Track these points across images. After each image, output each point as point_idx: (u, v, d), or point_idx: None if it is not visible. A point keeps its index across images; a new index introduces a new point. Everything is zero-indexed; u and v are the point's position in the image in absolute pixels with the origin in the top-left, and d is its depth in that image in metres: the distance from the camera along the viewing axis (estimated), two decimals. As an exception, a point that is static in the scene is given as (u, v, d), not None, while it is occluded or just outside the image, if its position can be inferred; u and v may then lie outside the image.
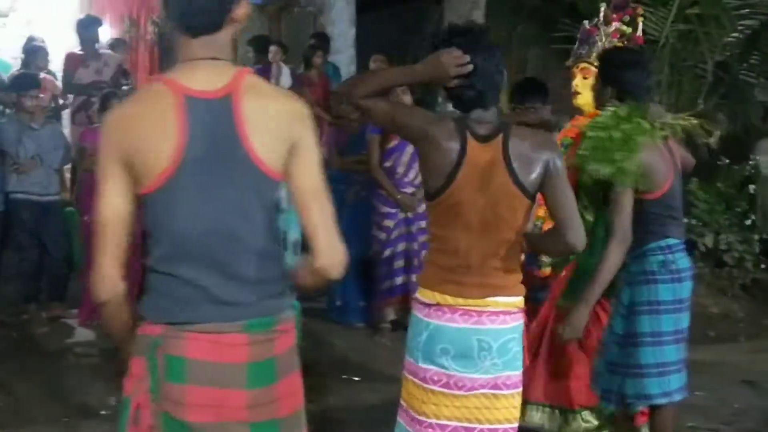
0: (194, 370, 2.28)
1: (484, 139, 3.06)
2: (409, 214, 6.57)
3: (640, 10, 4.90)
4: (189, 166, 2.25)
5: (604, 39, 4.74)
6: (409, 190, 6.59)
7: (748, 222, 8.42)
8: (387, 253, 6.65)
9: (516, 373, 3.16)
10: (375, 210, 6.72)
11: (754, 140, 9.01)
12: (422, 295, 3.17)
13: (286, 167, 2.32)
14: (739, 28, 8.81)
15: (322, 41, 9.46)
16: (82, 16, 9.51)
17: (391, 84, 3.29)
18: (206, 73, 2.30)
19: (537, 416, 4.37)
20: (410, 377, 3.18)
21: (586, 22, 4.84)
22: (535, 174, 3.04)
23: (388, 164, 6.61)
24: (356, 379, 5.88)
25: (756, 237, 8.39)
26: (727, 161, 8.77)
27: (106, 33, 10.05)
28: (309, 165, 2.34)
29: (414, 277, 6.39)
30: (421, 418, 3.13)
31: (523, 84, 5.17)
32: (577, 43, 4.83)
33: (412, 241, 6.58)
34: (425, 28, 10.14)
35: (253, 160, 2.27)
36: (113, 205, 2.27)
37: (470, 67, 3.03)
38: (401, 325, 6.62)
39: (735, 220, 8.44)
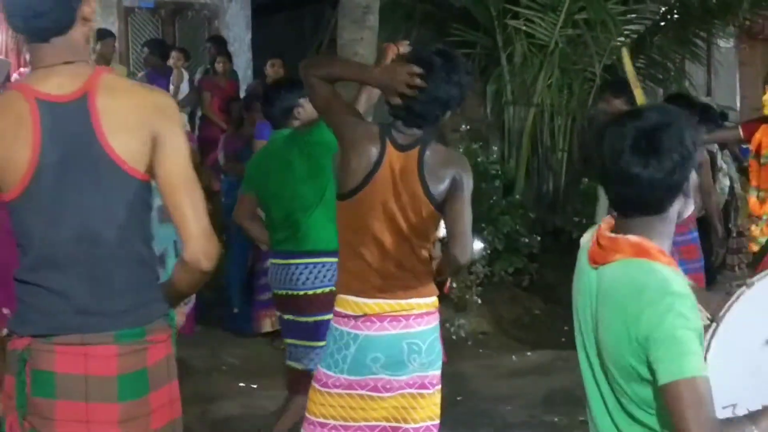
0: (63, 385, 2.22)
1: (403, 148, 3.15)
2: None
3: None
4: (46, 172, 2.20)
5: None
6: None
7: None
8: (267, 263, 6.61)
9: (438, 372, 3.25)
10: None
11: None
12: (344, 307, 3.19)
13: (152, 163, 2.26)
14: (626, 32, 9.06)
15: (221, 46, 9.39)
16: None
17: (346, 76, 3.37)
18: (61, 76, 2.24)
19: None
20: (332, 390, 3.19)
21: None
22: (443, 186, 3.14)
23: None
24: (254, 386, 5.86)
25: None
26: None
27: None
28: (174, 156, 2.27)
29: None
30: (348, 423, 3.17)
31: None
32: None
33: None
34: (321, 32, 10.16)
35: (113, 159, 2.21)
36: None
37: (417, 89, 3.09)
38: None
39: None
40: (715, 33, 9.95)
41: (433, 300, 3.25)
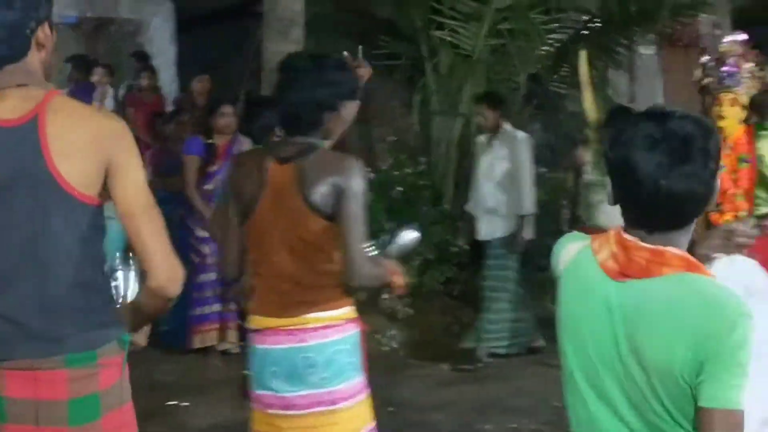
0: (13, 409, 2.21)
1: (284, 161, 3.07)
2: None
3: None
4: None
5: (744, 74, 5.22)
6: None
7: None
8: (200, 278, 6.59)
9: (351, 384, 3.16)
10: (191, 233, 6.66)
11: (567, 149, 9.41)
12: (250, 322, 3.20)
13: (108, 189, 2.26)
14: (549, 42, 9.17)
15: (144, 60, 9.29)
16: None
17: None
18: (13, 100, 2.23)
19: None
20: (255, 406, 3.19)
21: (724, 54, 5.32)
22: (326, 196, 3.01)
23: (209, 187, 6.53)
24: (185, 404, 5.80)
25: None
26: (544, 170, 9.11)
27: None
28: (132, 183, 2.28)
29: (231, 306, 6.42)
30: None
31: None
32: (720, 73, 5.24)
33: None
34: (247, 45, 10.11)
35: (60, 184, 2.20)
36: None
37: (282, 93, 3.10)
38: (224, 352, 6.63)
39: (554, 226, 8.77)
40: (636, 40, 10.13)
41: (340, 312, 3.15)
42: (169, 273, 2.32)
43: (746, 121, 5.36)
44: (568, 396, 2.08)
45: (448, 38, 8.59)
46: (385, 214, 7.36)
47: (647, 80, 12.83)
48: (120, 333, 2.36)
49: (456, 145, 8.77)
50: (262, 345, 3.15)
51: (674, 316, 1.87)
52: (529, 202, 6.81)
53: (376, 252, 3.25)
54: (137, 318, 2.43)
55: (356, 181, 3.01)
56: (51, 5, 2.39)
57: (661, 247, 1.92)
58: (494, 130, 6.89)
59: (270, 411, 3.14)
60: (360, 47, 4.01)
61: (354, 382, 3.18)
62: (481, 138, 7.06)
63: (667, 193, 1.87)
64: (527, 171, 6.84)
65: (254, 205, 3.08)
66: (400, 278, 3.32)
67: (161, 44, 10.19)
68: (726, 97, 5.24)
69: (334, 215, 3.01)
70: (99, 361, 2.27)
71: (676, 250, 1.92)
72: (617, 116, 6.07)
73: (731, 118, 5.24)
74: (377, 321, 7.00)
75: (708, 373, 1.84)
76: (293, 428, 3.13)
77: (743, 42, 5.37)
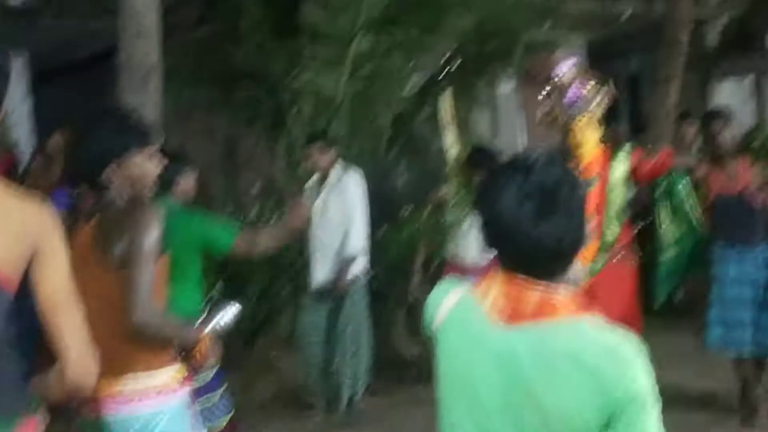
0: None
1: (88, 217, 3.08)
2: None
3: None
4: None
5: (590, 98, 5.23)
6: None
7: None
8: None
9: None
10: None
11: (431, 187, 9.53)
12: None
13: (30, 273, 2.24)
14: (411, 83, 9.31)
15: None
16: None
17: None
18: None
19: None
20: None
21: (565, 83, 5.30)
22: (120, 248, 2.96)
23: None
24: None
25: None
26: (411, 206, 9.21)
27: None
28: (57, 273, 2.27)
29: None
30: None
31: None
32: (565, 104, 5.23)
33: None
34: (105, 94, 9.91)
35: None
36: None
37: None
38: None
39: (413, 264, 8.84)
40: (495, 78, 10.37)
41: (164, 379, 3.05)
42: (82, 369, 2.33)
43: (603, 139, 5.41)
44: None
45: (309, 84, 8.60)
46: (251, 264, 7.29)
47: (508, 116, 13.15)
48: (30, 402, 2.37)
49: (323, 190, 8.78)
50: (95, 413, 3.06)
51: (575, 364, 1.87)
52: (358, 242, 6.67)
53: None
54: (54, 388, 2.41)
55: (148, 230, 2.95)
56: None
57: (548, 291, 1.93)
58: (326, 171, 6.87)
59: None
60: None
61: None
62: (313, 179, 7.01)
63: (536, 244, 1.89)
64: (359, 210, 6.71)
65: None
66: (205, 347, 3.20)
67: (15, 98, 9.87)
68: (579, 124, 5.27)
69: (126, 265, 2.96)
70: (14, 430, 2.27)
71: (563, 291, 1.94)
72: (479, 157, 6.21)
73: (589, 142, 5.28)
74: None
75: (620, 421, 1.85)
76: None
77: (575, 65, 5.42)
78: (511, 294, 1.94)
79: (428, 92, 9.54)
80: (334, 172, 6.87)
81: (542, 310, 1.91)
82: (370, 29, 8.45)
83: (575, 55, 13.74)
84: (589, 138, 5.31)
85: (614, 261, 5.37)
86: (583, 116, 5.27)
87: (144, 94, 7.13)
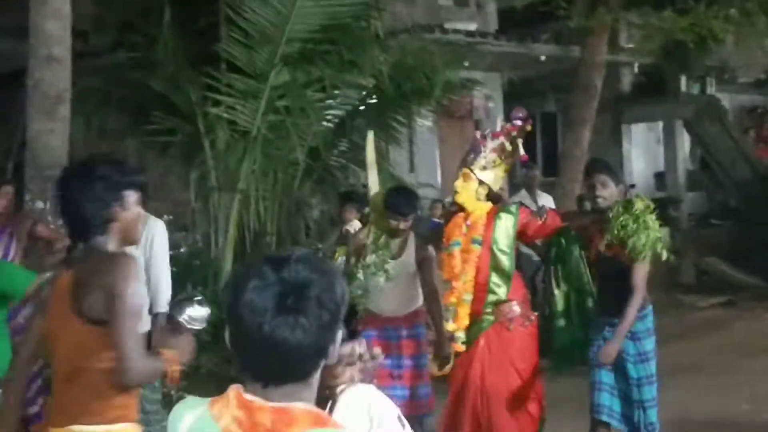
0: None
1: (69, 266, 3.08)
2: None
3: (525, 127, 5.35)
4: None
5: (487, 152, 5.25)
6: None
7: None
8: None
9: None
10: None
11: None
12: None
13: None
14: (327, 117, 9.30)
15: None
16: None
17: None
18: None
19: None
20: None
21: (477, 132, 5.52)
22: (96, 300, 2.92)
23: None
24: None
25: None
26: (321, 245, 9.19)
27: None
28: None
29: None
30: None
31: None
32: (468, 149, 5.39)
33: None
34: (14, 116, 9.71)
35: None
36: None
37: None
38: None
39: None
40: (413, 116, 10.40)
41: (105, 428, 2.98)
42: None
43: (490, 199, 5.33)
44: None
45: (225, 114, 8.54)
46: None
47: (426, 151, 13.26)
48: None
49: (235, 220, 8.71)
50: None
51: None
52: (164, 298, 5.44)
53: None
54: None
55: (126, 283, 2.93)
56: None
57: (285, 405, 1.79)
58: None
59: None
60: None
61: None
62: None
63: (270, 340, 1.75)
64: (162, 263, 5.58)
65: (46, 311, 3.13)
66: (176, 368, 3.13)
67: None
68: (462, 173, 5.27)
69: (102, 321, 2.92)
70: None
71: (302, 405, 1.81)
72: (396, 200, 6.03)
73: (465, 193, 5.25)
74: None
75: None
76: None
77: (518, 120, 5.35)
78: (246, 411, 1.80)
79: (345, 126, 9.53)
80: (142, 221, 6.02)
81: (278, 428, 1.77)
82: (287, 64, 8.43)
83: (491, 98, 13.98)
84: (465, 189, 5.24)
85: (507, 318, 5.26)
86: (469, 168, 5.24)
87: (50, 121, 6.95)
